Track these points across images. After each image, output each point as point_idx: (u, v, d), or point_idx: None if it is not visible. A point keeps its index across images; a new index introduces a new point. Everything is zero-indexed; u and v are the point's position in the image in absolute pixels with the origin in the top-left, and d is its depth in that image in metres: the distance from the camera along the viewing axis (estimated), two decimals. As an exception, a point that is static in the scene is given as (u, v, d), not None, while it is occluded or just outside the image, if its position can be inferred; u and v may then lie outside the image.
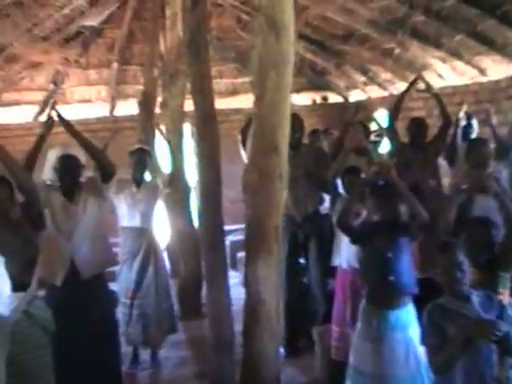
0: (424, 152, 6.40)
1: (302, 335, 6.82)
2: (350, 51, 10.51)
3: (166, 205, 8.36)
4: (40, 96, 11.92)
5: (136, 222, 6.67)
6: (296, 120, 5.85)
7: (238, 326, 5.86)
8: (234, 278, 7.98)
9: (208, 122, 5.67)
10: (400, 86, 10.54)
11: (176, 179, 7.57)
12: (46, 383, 4.38)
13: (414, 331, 4.46)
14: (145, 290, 6.62)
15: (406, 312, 4.55)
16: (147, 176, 6.99)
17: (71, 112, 12.02)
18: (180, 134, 8.52)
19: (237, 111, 12.40)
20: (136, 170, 6.80)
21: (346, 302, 5.52)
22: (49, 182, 5.65)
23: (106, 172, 5.42)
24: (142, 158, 6.83)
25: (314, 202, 6.81)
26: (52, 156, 5.82)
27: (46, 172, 5.93)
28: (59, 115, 5.43)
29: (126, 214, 6.68)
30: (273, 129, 4.03)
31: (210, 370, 6.03)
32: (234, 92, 12.61)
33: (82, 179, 5.55)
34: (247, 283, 4.42)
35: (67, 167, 5.46)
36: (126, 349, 6.59)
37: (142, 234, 6.70)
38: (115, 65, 11.65)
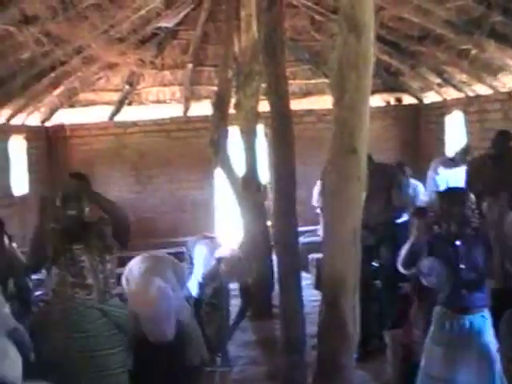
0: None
1: (373, 339, 6.75)
2: (426, 52, 10.35)
3: (239, 205, 8.40)
4: (115, 96, 12.14)
5: None
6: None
7: (309, 328, 5.88)
8: (305, 280, 7.96)
9: (283, 122, 5.66)
10: (476, 88, 10.35)
11: (246, 174, 7.58)
12: (120, 380, 4.45)
13: (489, 338, 4.37)
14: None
15: (480, 318, 4.47)
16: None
17: (146, 112, 12.24)
18: (254, 135, 8.55)
19: (310, 112, 12.41)
20: None
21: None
22: None
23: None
24: None
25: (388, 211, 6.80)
26: None
27: None
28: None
29: None
30: (352, 130, 3.99)
31: (281, 371, 6.02)
32: (307, 93, 12.59)
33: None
34: (323, 285, 4.39)
35: None
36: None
37: None
38: (189, 66, 11.75)
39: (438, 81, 11.38)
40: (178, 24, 11.17)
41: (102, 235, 4.47)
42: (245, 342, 7.39)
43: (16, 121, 10.47)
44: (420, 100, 12.86)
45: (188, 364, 5.38)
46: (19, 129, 10.80)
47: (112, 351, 4.42)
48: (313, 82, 12.55)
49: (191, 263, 6.69)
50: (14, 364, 2.68)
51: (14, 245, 6.64)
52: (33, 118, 11.40)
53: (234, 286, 7.15)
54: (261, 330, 7.90)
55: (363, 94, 4.01)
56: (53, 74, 9.46)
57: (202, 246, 6.72)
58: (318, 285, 9.05)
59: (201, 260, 6.59)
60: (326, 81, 12.29)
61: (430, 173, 8.99)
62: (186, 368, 5.32)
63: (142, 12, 9.28)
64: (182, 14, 10.77)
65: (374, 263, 6.98)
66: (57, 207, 4.47)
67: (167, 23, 10.76)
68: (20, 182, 10.63)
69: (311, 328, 5.91)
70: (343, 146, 4.05)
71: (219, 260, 6.50)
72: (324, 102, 12.45)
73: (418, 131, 13.02)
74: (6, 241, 6.45)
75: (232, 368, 6.81)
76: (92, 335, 4.36)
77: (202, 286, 6.53)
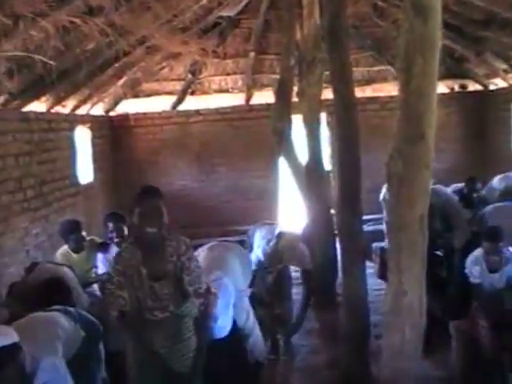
0: None
1: (438, 328, 6.66)
2: (491, 37, 10.11)
3: (302, 193, 8.37)
4: (178, 86, 12.23)
5: None
6: None
7: (372, 317, 5.84)
8: (369, 269, 7.90)
9: (348, 110, 5.61)
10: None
11: (309, 161, 7.54)
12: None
13: None
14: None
15: None
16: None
17: (208, 102, 12.31)
18: (317, 123, 8.51)
19: (373, 100, 12.29)
20: None
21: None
22: None
23: None
24: None
25: None
26: None
27: None
28: None
29: None
30: (419, 116, 3.92)
31: (343, 359, 6.00)
32: (369, 81, 12.48)
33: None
34: (389, 273, 4.34)
35: None
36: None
37: None
38: (252, 54, 11.76)
39: (504, 67, 11.14)
40: (240, 13, 11.18)
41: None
42: (307, 330, 7.38)
43: (81, 111, 10.64)
44: (485, 86, 12.60)
45: (245, 360, 5.40)
46: (84, 119, 10.97)
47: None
48: (375, 69, 12.43)
49: (251, 251, 6.72)
50: None
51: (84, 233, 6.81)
52: (97, 108, 11.58)
53: (295, 276, 7.16)
54: (323, 318, 7.88)
55: (430, 78, 3.94)
56: (117, 65, 9.56)
57: (262, 233, 6.74)
58: (382, 274, 8.98)
59: (260, 245, 6.61)
60: (389, 68, 12.17)
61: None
62: (243, 364, 5.34)
63: (204, 1, 9.30)
64: (243, 3, 10.78)
65: (438, 252, 6.90)
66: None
67: (229, 12, 10.77)
68: (85, 171, 10.81)
69: (374, 317, 5.88)
70: (410, 132, 3.98)
71: (279, 235, 6.49)
72: (387, 89, 12.33)
73: (483, 118, 12.74)
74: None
75: (294, 357, 6.81)
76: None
77: (261, 272, 6.55)
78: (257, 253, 6.64)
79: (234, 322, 5.17)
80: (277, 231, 6.69)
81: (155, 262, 4.37)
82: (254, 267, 6.39)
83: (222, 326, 4.98)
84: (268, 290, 6.69)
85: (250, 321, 5.51)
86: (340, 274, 6.90)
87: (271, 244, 6.52)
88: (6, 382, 2.79)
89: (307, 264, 6.75)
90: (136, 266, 4.36)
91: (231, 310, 5.08)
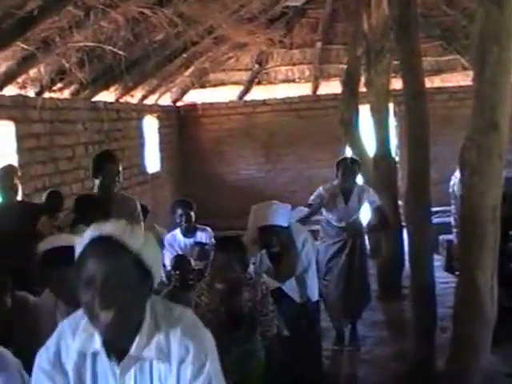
0: None
1: (505, 323, 6.53)
2: None
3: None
4: (245, 76, 12.27)
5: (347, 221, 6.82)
6: None
7: (439, 310, 5.76)
8: (436, 261, 7.80)
9: (418, 100, 5.53)
10: None
11: (377, 151, 7.49)
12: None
13: None
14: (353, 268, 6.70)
15: None
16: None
17: (275, 92, 12.31)
18: (385, 113, 8.42)
19: (441, 90, 12.09)
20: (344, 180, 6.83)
21: None
22: None
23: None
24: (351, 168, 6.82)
25: None
26: None
27: None
28: None
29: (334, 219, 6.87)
30: (493, 105, 3.85)
31: (409, 352, 5.94)
32: (438, 71, 12.28)
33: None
34: (460, 265, 4.27)
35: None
36: (328, 324, 6.74)
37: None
38: (318, 44, 11.72)
39: None
40: (307, 2, 11.16)
41: None
42: (373, 322, 7.34)
43: (149, 101, 10.78)
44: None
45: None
46: (152, 108, 11.12)
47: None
48: (444, 58, 12.23)
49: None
50: None
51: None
52: (165, 98, 11.71)
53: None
54: (390, 310, 7.82)
55: (505, 67, 3.86)
56: (184, 55, 9.66)
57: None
58: (449, 266, 8.85)
59: None
60: (458, 57, 11.96)
61: None
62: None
63: (272, -9, 9.31)
64: (310, -7, 10.75)
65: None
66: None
67: (296, 2, 10.76)
68: (152, 160, 10.95)
69: (441, 310, 5.80)
70: (484, 122, 3.91)
71: None
72: (456, 79, 12.13)
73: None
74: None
75: (360, 348, 6.78)
76: None
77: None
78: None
79: None
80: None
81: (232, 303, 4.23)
82: None
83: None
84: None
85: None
86: (407, 265, 6.83)
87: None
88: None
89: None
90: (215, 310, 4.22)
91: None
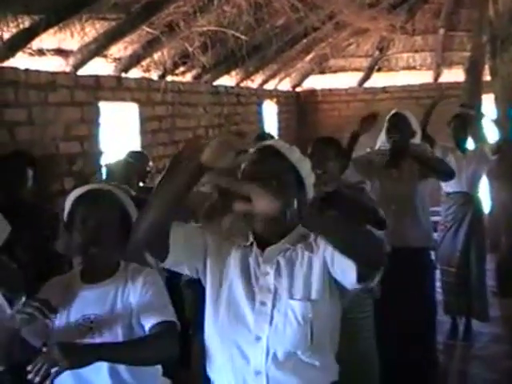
0: None
1: None
2: None
3: (491, 174, 8.09)
4: (365, 63, 12.15)
5: (462, 187, 6.59)
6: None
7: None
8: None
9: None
10: None
11: (505, 148, 7.25)
12: (368, 344, 4.47)
13: None
14: (470, 260, 6.55)
15: None
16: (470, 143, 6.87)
17: (395, 79, 12.14)
18: (510, 103, 8.16)
19: None
20: (458, 137, 6.69)
21: None
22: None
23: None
24: (463, 124, 6.68)
25: None
26: None
27: None
28: None
29: None
30: None
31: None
32: None
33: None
34: None
35: (401, 125, 5.42)
36: (442, 318, 6.61)
37: (469, 200, 6.63)
38: (441, 31, 11.43)
39: None
40: (430, -12, 10.90)
41: None
42: (490, 318, 7.16)
43: (269, 86, 10.85)
44: None
45: None
46: (272, 94, 11.19)
47: (361, 315, 4.46)
48: None
49: None
50: None
51: None
52: (284, 84, 11.75)
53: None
54: (507, 307, 7.60)
55: None
56: (305, 40, 9.65)
57: None
58: None
59: None
60: None
61: None
62: None
63: (395, -24, 9.17)
64: (435, -22, 10.51)
65: None
66: None
67: (419, -13, 10.55)
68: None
69: None
70: None
71: None
72: None
73: None
74: None
75: (474, 343, 6.64)
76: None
77: None
78: None
79: None
80: None
81: None
82: None
83: None
84: None
85: None
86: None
87: None
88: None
89: None
90: None
91: None
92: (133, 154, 5.90)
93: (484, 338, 6.77)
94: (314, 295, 2.25)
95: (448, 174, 5.37)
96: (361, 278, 2.14)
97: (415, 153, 5.23)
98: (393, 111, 5.50)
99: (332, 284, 2.28)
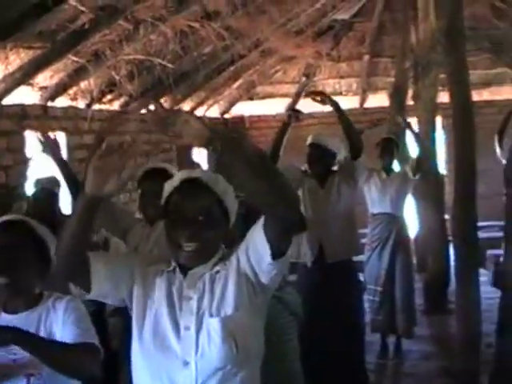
0: None
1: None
2: None
3: (415, 195, 8.28)
4: (293, 89, 12.31)
5: (387, 208, 6.72)
6: None
7: (484, 326, 5.69)
8: (483, 277, 7.72)
9: (464, 114, 5.51)
10: None
11: (425, 166, 7.45)
12: (293, 367, 4.50)
13: None
14: (395, 278, 6.67)
15: None
16: (395, 166, 7.02)
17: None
18: (432, 126, 8.40)
19: (490, 103, 11.97)
20: (384, 159, 6.84)
21: None
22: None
23: (356, 148, 5.36)
24: (390, 146, 6.85)
25: None
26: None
27: None
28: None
29: (376, 200, 6.76)
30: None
31: (455, 367, 5.88)
32: (486, 84, 12.16)
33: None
34: (504, 279, 4.24)
35: (319, 155, 5.54)
36: (372, 337, 6.67)
37: (393, 220, 6.75)
38: (366, 57, 11.72)
39: None
40: (354, 15, 11.16)
41: None
42: (418, 336, 7.26)
43: (197, 113, 10.88)
44: None
45: None
46: (200, 121, 11.21)
47: (286, 338, 4.48)
48: (493, 71, 12.11)
49: None
50: None
51: None
52: (213, 110, 11.81)
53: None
54: (435, 324, 7.75)
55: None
56: (232, 68, 9.74)
57: None
58: (496, 282, 8.74)
59: None
60: (508, 70, 11.84)
61: None
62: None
63: (319, 5, 9.34)
64: (357, 6, 10.75)
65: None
66: None
67: (343, 15, 10.78)
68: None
69: (486, 326, 5.73)
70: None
71: None
72: (505, 92, 12.00)
73: None
74: None
75: (404, 362, 6.74)
76: (268, 322, 4.41)
77: None
78: None
79: None
80: None
81: None
82: None
83: None
84: None
85: None
86: (453, 280, 6.78)
87: None
88: None
89: None
90: None
91: None
92: (46, 180, 5.76)
93: (414, 355, 6.87)
94: (231, 308, 2.26)
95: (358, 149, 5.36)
96: (275, 252, 2.15)
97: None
98: (309, 140, 5.57)
99: (251, 290, 2.29)
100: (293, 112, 5.54)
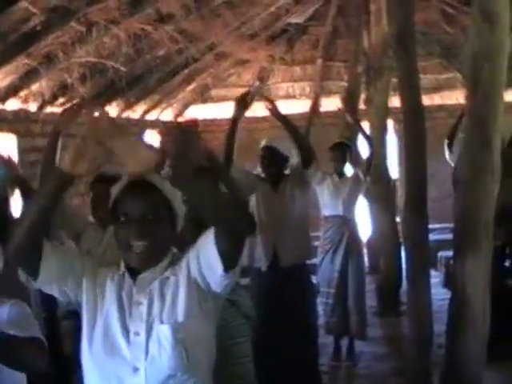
0: None
1: (504, 339, 6.53)
2: None
3: (367, 199, 8.36)
4: (246, 92, 12.32)
5: (339, 210, 6.78)
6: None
7: (436, 327, 5.77)
8: (434, 278, 7.83)
9: (415, 118, 5.57)
10: None
11: (375, 168, 7.53)
12: (246, 369, 4.51)
13: None
14: (348, 280, 6.72)
15: None
16: (348, 169, 7.08)
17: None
18: (384, 130, 8.49)
19: (440, 108, 12.13)
20: (337, 163, 6.90)
21: None
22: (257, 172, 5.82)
23: (307, 157, 5.42)
24: (343, 151, 6.91)
25: None
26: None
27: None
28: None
29: (328, 202, 6.81)
30: (485, 123, 3.90)
31: (408, 368, 5.95)
32: (437, 88, 12.33)
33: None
34: (453, 280, 4.31)
35: (272, 157, 5.58)
36: (325, 339, 6.71)
37: (345, 222, 6.80)
38: (319, 61, 11.79)
39: None
40: (308, 20, 11.21)
41: None
42: (371, 337, 7.32)
43: (151, 116, 10.84)
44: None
45: None
46: (154, 124, 11.17)
47: (238, 340, 4.48)
48: (444, 76, 12.29)
49: None
50: None
51: None
52: (167, 114, 11.77)
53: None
54: (387, 326, 7.84)
55: (498, 85, 3.92)
56: (186, 71, 9.73)
57: None
58: (447, 283, 8.88)
59: None
60: (458, 75, 12.01)
61: None
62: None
63: (273, 9, 9.37)
64: (311, 10, 10.81)
65: (506, 262, 6.76)
66: None
67: (297, 19, 10.83)
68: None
69: (438, 327, 5.81)
70: (476, 140, 3.97)
71: None
72: (455, 96, 12.18)
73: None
74: None
75: (357, 363, 6.80)
76: (220, 325, 4.41)
77: None
78: None
79: None
80: None
81: None
82: None
83: None
84: None
85: None
86: (405, 282, 6.86)
87: None
88: None
89: None
90: None
91: None
92: None
93: (367, 356, 6.94)
94: (181, 316, 2.26)
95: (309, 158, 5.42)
96: (226, 265, 2.18)
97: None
98: (262, 143, 5.61)
99: (202, 297, 2.30)
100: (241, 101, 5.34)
